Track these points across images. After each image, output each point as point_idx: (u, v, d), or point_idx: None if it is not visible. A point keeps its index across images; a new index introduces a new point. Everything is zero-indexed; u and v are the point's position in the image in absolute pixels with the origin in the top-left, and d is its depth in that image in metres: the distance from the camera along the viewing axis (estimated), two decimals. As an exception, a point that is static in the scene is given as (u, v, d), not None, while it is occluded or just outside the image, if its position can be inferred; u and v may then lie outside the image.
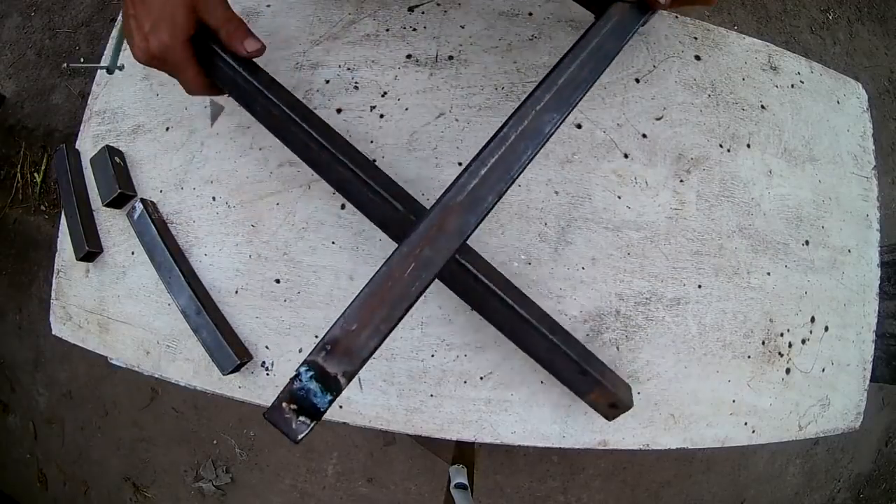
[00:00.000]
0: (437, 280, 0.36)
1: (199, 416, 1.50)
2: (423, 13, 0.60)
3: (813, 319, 0.59)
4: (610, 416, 0.48)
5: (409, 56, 0.59)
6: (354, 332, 0.33)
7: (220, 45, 0.46)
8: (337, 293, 0.54)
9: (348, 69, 0.59)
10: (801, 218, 0.60)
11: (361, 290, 0.34)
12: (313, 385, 0.33)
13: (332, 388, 0.33)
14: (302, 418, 0.33)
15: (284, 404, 0.33)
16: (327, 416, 0.53)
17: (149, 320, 0.57)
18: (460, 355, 0.53)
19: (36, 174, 1.61)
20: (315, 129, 0.45)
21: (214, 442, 1.49)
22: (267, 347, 0.55)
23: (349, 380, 0.34)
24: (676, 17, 0.62)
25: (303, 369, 0.33)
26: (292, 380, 0.34)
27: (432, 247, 0.34)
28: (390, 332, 0.33)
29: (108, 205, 0.58)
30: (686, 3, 0.48)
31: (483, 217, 0.36)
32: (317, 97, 0.58)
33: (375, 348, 0.33)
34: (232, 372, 0.53)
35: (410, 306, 0.34)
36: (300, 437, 0.33)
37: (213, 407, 1.49)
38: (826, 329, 0.59)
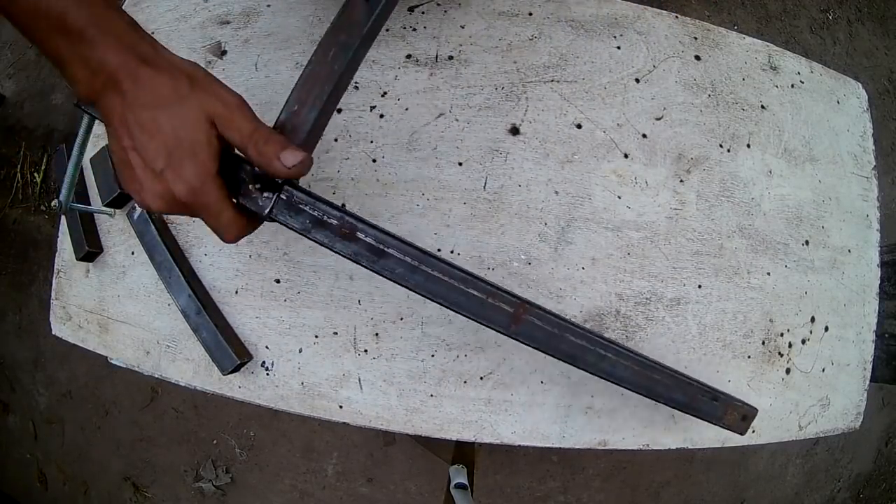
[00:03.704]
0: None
1: (199, 416, 1.50)
2: (423, 13, 0.60)
3: (813, 319, 0.59)
4: (744, 430, 0.49)
5: (409, 56, 0.59)
6: (296, 111, 0.38)
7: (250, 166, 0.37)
8: (337, 293, 0.54)
9: (348, 69, 0.59)
10: (801, 218, 0.60)
11: (297, 80, 0.39)
12: None
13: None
14: (266, 194, 0.36)
15: (250, 186, 0.36)
16: (328, 415, 0.53)
17: (149, 320, 0.57)
18: (460, 355, 0.53)
19: (36, 174, 1.61)
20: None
21: (214, 442, 1.49)
22: (267, 347, 0.55)
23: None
24: (677, 17, 0.62)
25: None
26: (251, 168, 0.36)
27: (346, 33, 0.39)
28: (325, 107, 0.38)
29: (108, 205, 0.58)
30: None
31: (380, 4, 0.40)
32: (317, 97, 0.58)
33: (316, 121, 0.38)
34: (232, 372, 0.53)
35: (338, 85, 0.39)
36: (266, 210, 0.36)
37: (213, 407, 1.49)
38: (826, 329, 0.59)
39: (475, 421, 0.53)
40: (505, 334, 0.41)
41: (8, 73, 1.69)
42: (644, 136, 0.58)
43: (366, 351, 0.54)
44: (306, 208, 0.37)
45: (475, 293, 0.40)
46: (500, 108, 0.57)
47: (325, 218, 0.38)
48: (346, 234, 0.38)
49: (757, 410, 0.49)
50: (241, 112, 0.34)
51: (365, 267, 0.39)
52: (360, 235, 0.38)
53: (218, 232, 0.36)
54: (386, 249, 0.38)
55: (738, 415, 0.48)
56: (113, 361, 0.59)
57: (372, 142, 0.56)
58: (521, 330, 0.41)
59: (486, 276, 0.54)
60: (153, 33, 0.63)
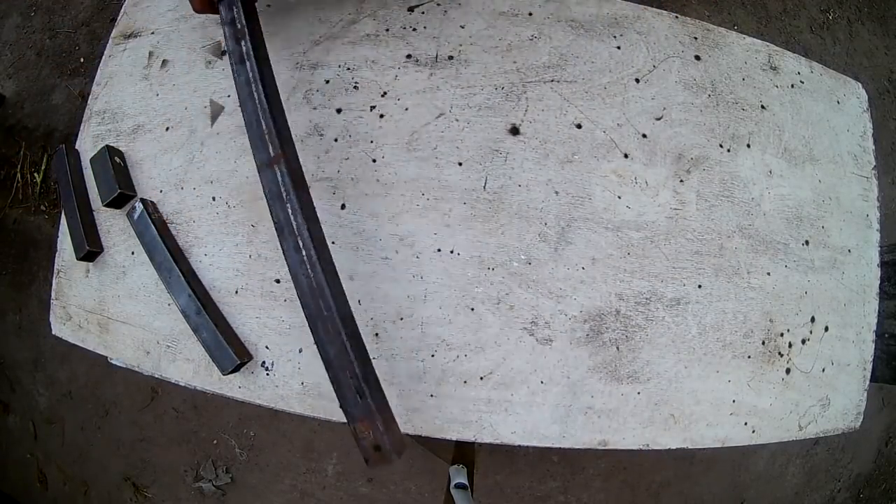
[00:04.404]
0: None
1: (199, 416, 1.50)
2: (423, 13, 0.60)
3: (813, 319, 0.59)
4: (372, 460, 0.38)
5: (409, 56, 0.59)
6: None
7: None
8: (337, 293, 0.54)
9: (348, 69, 0.59)
10: (801, 218, 0.60)
11: None
12: None
13: None
14: None
15: None
16: (328, 415, 0.53)
17: (149, 320, 0.57)
18: (460, 355, 0.53)
19: (36, 174, 1.61)
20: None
21: (214, 442, 1.49)
22: (267, 347, 0.55)
23: None
24: (677, 17, 0.62)
25: None
26: None
27: None
28: None
29: (108, 205, 0.58)
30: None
31: None
32: (317, 97, 0.58)
33: None
34: (232, 372, 0.53)
35: None
36: None
37: (213, 407, 1.49)
38: (826, 329, 0.59)
39: (475, 421, 0.53)
40: (258, 172, 0.44)
41: (8, 73, 1.69)
42: (644, 136, 0.58)
43: (366, 351, 0.54)
44: (233, 10, 0.48)
45: (259, 117, 0.44)
46: (500, 108, 0.57)
47: (234, 12, 0.48)
48: (238, 34, 0.48)
49: (400, 455, 0.39)
50: None
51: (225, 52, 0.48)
52: (242, 41, 0.48)
53: None
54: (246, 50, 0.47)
55: (373, 436, 0.37)
56: (113, 361, 0.59)
57: (372, 142, 0.56)
58: (264, 175, 0.43)
59: (486, 276, 0.54)
60: (153, 33, 0.63)
